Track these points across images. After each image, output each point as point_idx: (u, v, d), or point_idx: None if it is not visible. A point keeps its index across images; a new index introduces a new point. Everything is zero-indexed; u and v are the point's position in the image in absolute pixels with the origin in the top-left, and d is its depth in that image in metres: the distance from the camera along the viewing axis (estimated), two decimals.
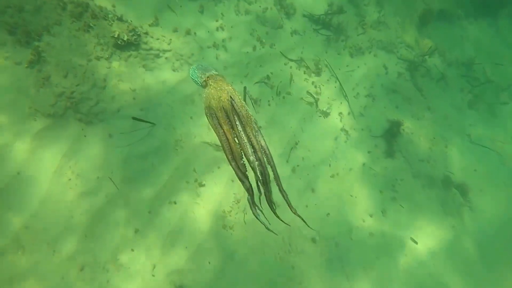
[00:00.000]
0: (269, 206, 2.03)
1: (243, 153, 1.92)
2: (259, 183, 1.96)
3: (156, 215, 5.33)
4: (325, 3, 8.62)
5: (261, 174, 1.94)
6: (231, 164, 1.93)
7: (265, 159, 1.94)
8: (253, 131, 1.95)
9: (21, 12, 5.78)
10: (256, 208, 1.96)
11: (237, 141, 1.94)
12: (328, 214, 6.24)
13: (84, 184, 5.14)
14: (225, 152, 1.94)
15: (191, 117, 6.08)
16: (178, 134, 5.87)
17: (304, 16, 8.24)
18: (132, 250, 5.05)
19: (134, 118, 5.49)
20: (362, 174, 6.88)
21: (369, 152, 7.16)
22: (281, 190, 1.99)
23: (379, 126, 7.56)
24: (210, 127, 2.14)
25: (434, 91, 8.79)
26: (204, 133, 6.02)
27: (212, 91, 2.20)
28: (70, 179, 5.11)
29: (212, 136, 6.01)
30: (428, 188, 7.23)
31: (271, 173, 1.99)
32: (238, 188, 5.81)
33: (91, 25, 5.80)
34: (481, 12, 10.19)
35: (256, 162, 1.90)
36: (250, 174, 1.96)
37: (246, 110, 2.04)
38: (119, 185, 5.25)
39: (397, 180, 7.07)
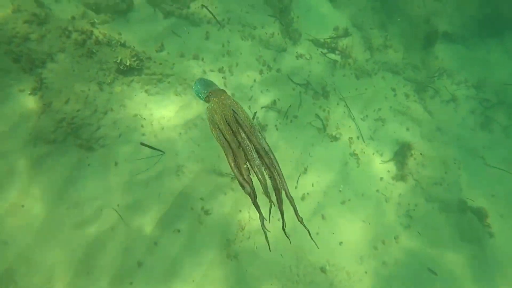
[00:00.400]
0: (280, 213, 1.98)
1: (247, 159, 1.93)
2: (267, 191, 1.94)
3: (159, 245, 5.06)
4: (330, 27, 8.61)
5: (270, 177, 1.95)
6: (233, 170, 1.94)
7: (271, 162, 1.95)
8: (257, 139, 1.97)
9: (26, 41, 5.79)
10: (263, 219, 1.95)
11: (241, 149, 1.97)
12: (341, 242, 5.90)
13: (82, 213, 4.93)
14: (227, 158, 1.94)
15: (198, 145, 5.90)
16: (181, 159, 5.68)
17: (309, 40, 8.21)
18: (131, 283, 4.75)
19: (142, 144, 5.34)
20: (374, 200, 6.56)
21: (380, 178, 6.87)
22: (288, 196, 1.97)
23: (389, 150, 7.30)
24: (215, 139, 2.14)
25: (444, 112, 8.56)
26: (208, 157, 5.83)
27: (215, 106, 2.24)
28: (68, 208, 4.90)
29: (218, 163, 5.82)
30: (443, 212, 6.86)
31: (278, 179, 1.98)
32: (243, 215, 5.54)
33: (94, 51, 5.77)
34: (488, 33, 10.10)
35: (263, 167, 1.92)
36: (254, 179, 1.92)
37: (250, 122, 2.09)
38: (121, 213, 5.03)
39: (410, 205, 6.72)
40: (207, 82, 2.75)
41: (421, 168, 7.22)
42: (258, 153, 1.95)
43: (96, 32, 6.10)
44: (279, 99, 6.99)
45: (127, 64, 5.76)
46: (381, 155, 7.16)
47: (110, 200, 5.11)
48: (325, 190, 6.34)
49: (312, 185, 6.30)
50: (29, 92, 5.51)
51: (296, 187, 6.17)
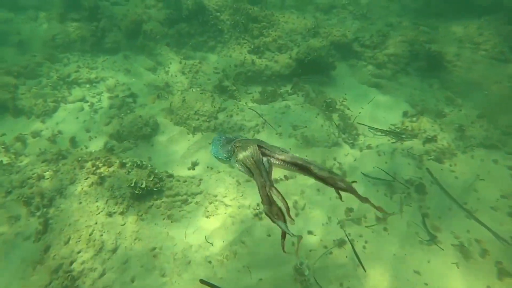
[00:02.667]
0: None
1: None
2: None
3: None
4: (392, 114, 7.43)
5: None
6: (260, 192, 2.05)
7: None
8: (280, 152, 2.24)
9: (40, 180, 5.16)
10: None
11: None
12: None
13: None
14: (256, 182, 2.10)
15: (249, 268, 4.27)
16: None
17: (373, 132, 6.97)
18: None
19: (202, 282, 3.92)
20: None
21: None
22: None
23: None
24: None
25: None
26: None
27: (240, 151, 2.32)
28: None
29: None
30: None
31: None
32: None
33: (105, 176, 4.91)
34: None
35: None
36: None
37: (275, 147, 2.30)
38: None
39: None
40: (227, 139, 2.64)
41: None
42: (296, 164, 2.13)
43: (113, 158, 5.39)
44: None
45: (143, 186, 4.74)
46: None
47: None
48: None
49: None
50: (33, 239, 4.54)
51: None
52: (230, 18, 9.22)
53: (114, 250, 4.26)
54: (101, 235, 4.34)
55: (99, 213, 4.54)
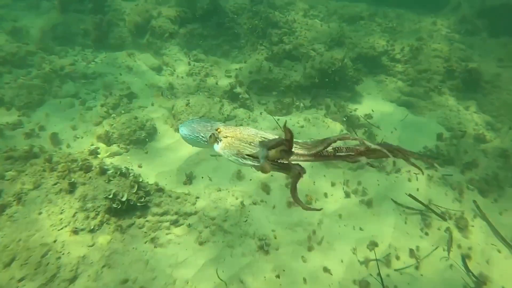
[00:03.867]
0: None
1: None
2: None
3: None
4: None
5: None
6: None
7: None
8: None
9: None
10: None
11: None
12: None
13: None
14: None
15: None
16: None
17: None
18: None
19: None
20: None
21: None
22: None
23: None
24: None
25: None
26: None
27: (235, 141, 1.85)
28: None
29: None
30: None
31: None
32: None
33: (78, 183, 3.94)
34: None
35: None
36: None
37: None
38: None
39: None
40: (205, 120, 2.07)
41: None
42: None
43: (94, 162, 4.44)
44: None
45: (123, 199, 3.75)
46: None
47: None
48: None
49: None
50: None
51: None
52: (248, 21, 8.43)
53: (72, 280, 3.23)
54: (59, 257, 3.33)
55: (61, 229, 3.54)
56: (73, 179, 3.90)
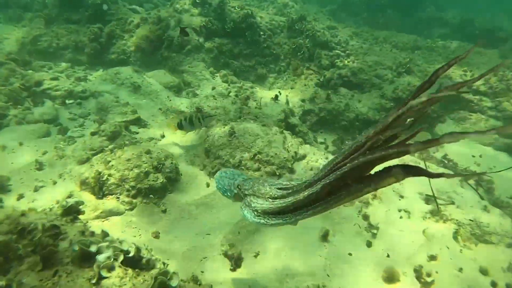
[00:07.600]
0: None
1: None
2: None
3: None
4: None
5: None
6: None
7: None
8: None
9: None
10: None
11: None
12: None
13: None
14: None
15: None
16: None
17: None
18: None
19: None
20: None
21: None
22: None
23: None
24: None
25: None
26: None
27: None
28: None
29: None
30: None
31: None
32: None
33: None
34: None
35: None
36: None
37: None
38: None
39: None
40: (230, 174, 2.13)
41: None
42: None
43: (70, 232, 2.16)
44: None
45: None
46: None
47: None
48: None
49: None
50: None
51: None
52: (289, 41, 6.61)
53: None
54: None
55: None
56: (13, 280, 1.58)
